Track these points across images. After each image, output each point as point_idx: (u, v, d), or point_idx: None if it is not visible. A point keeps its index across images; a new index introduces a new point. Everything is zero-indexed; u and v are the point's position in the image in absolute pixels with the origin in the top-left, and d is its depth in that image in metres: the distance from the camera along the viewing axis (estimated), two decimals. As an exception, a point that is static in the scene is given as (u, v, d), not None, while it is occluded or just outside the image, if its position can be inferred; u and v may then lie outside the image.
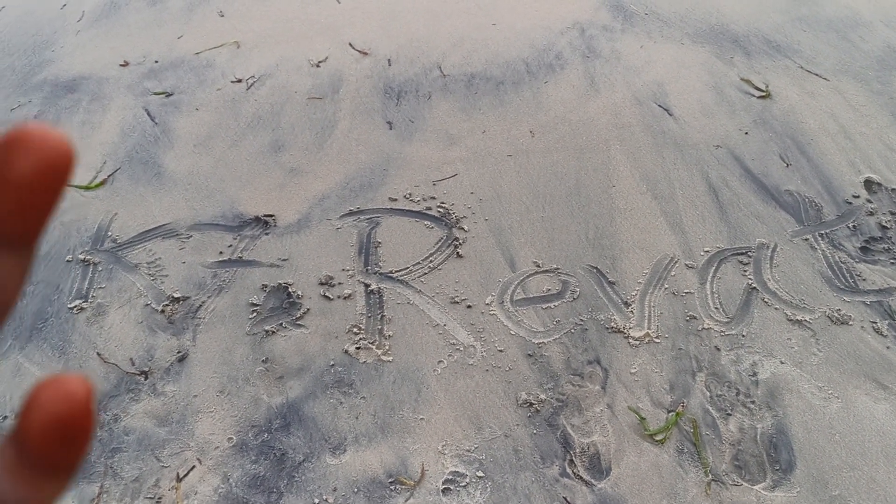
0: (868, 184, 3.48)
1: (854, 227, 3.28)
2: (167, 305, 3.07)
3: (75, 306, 3.08)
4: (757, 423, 2.59)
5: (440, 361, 2.83)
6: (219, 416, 2.69)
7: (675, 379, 2.73)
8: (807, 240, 3.23)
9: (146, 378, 2.82)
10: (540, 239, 3.27)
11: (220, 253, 3.28)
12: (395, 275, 3.15)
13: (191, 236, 3.37)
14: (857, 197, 3.42)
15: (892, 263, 3.12)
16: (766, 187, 3.49)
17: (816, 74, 4.25)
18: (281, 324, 2.98)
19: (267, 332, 2.95)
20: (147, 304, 3.08)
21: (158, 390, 2.78)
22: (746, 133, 3.80)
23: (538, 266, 3.15)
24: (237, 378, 2.81)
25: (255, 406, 2.72)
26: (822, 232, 3.26)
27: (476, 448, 2.56)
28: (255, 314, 3.02)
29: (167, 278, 3.19)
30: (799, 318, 2.92)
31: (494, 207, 3.43)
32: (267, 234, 3.36)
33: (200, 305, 3.07)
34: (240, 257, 3.26)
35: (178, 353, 2.90)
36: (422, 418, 2.65)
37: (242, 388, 2.77)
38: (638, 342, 2.85)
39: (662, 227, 3.30)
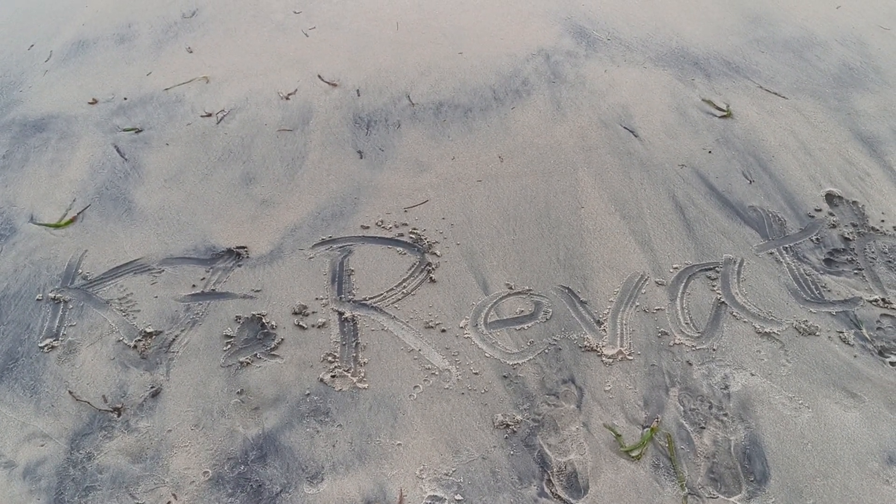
0: (829, 197, 3.57)
1: (817, 239, 3.35)
2: (140, 341, 3.05)
3: (46, 345, 3.05)
4: (730, 436, 2.62)
5: (416, 386, 2.84)
6: (194, 450, 2.66)
7: (649, 395, 2.76)
8: (772, 254, 3.30)
9: (119, 415, 2.79)
10: (512, 261, 3.31)
11: (193, 286, 3.27)
12: (368, 302, 3.16)
13: (163, 270, 3.36)
14: (820, 210, 3.50)
15: (856, 274, 3.20)
16: (730, 204, 3.56)
17: (775, 93, 4.37)
18: (255, 355, 2.97)
19: (241, 363, 2.94)
20: (119, 340, 3.05)
21: (132, 426, 2.76)
22: (710, 152, 3.89)
23: (511, 288, 3.18)
24: (212, 411, 2.79)
25: (231, 438, 2.70)
26: (787, 245, 3.33)
27: (454, 471, 2.56)
28: (229, 346, 3.01)
29: (139, 313, 3.17)
30: (767, 330, 2.97)
31: (466, 232, 3.46)
32: (240, 265, 3.36)
33: (174, 339, 3.05)
34: (213, 290, 3.25)
35: (152, 388, 2.87)
36: (399, 444, 2.65)
37: (217, 420, 2.75)
38: (611, 360, 2.88)
39: (631, 246, 3.35)
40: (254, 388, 2.85)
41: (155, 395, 2.86)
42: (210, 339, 3.05)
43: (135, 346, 3.03)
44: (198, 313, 3.15)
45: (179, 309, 3.18)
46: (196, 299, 3.22)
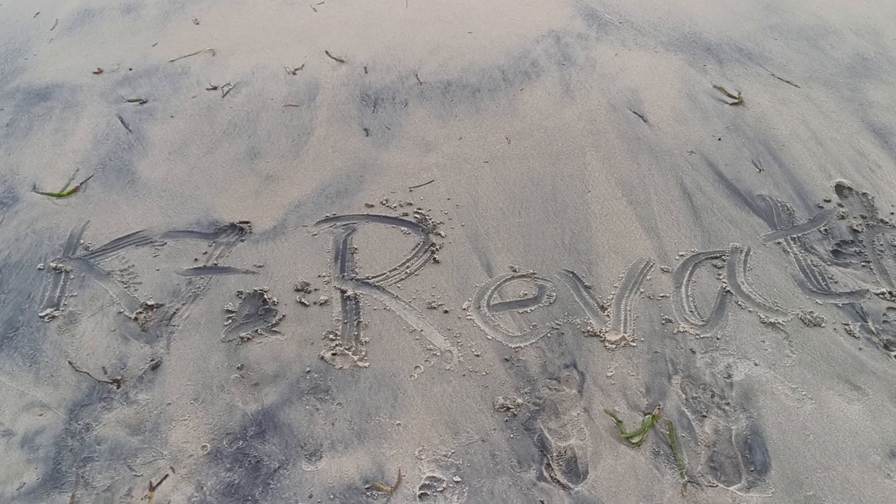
0: (839, 188, 3.53)
1: (826, 230, 3.32)
2: (140, 313, 3.03)
3: (46, 315, 3.03)
4: (732, 425, 2.60)
5: (417, 367, 2.82)
6: (193, 424, 2.65)
7: (651, 382, 2.74)
8: (779, 243, 3.27)
9: (119, 387, 2.78)
10: (516, 244, 3.28)
11: (195, 260, 3.25)
12: (371, 281, 3.14)
13: (165, 243, 3.34)
14: (829, 201, 3.46)
15: (864, 266, 3.16)
16: (739, 192, 3.52)
17: (787, 81, 4.31)
18: (256, 330, 2.96)
19: (242, 338, 2.93)
20: (120, 312, 3.04)
21: (131, 399, 2.75)
22: (720, 139, 3.84)
23: (515, 271, 3.16)
24: (212, 385, 2.77)
25: (230, 413, 2.69)
26: (795, 236, 3.30)
27: (453, 453, 2.55)
28: (230, 321, 2.99)
29: (141, 286, 3.15)
30: (772, 320, 2.94)
31: (471, 213, 3.43)
32: (242, 240, 3.33)
33: (175, 313, 3.04)
34: (215, 264, 3.23)
35: (152, 360, 2.86)
36: (398, 424, 2.64)
37: (217, 395, 2.74)
38: (614, 346, 2.86)
39: (638, 232, 3.32)
40: (254, 364, 2.84)
41: (155, 367, 2.85)
42: (211, 314, 3.03)
43: (135, 319, 3.02)
44: (199, 287, 3.13)
45: (181, 282, 3.16)
46: (198, 273, 3.20)
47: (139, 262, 3.25)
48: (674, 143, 3.82)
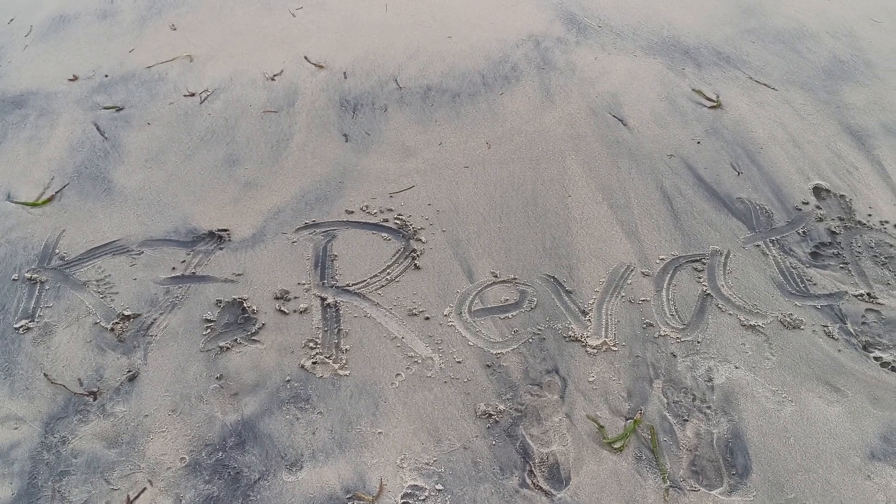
0: (817, 191, 3.56)
1: (804, 232, 3.34)
2: (117, 323, 2.99)
3: (21, 326, 2.98)
4: (713, 429, 2.60)
5: (398, 374, 2.80)
6: (171, 435, 2.62)
7: (633, 386, 2.74)
8: (758, 246, 3.28)
9: (95, 399, 2.74)
10: (497, 249, 3.27)
11: (173, 269, 3.22)
12: (351, 288, 3.11)
13: (142, 252, 3.30)
14: (807, 203, 3.49)
15: (842, 268, 3.19)
16: (718, 195, 3.54)
17: (765, 85, 4.35)
18: (236, 339, 2.93)
19: (221, 348, 2.90)
20: (96, 323, 3.00)
21: (108, 411, 2.70)
22: (699, 142, 3.86)
23: (496, 276, 3.15)
24: (190, 396, 2.74)
25: (209, 424, 2.66)
26: (774, 238, 3.32)
27: (435, 461, 2.53)
28: (209, 330, 2.96)
29: (117, 296, 3.11)
30: (752, 323, 2.95)
31: (452, 219, 3.42)
32: (221, 248, 3.30)
33: (152, 323, 3.00)
34: (193, 273, 3.19)
35: (129, 372, 2.82)
36: (380, 432, 2.62)
37: (196, 406, 2.71)
38: (596, 351, 2.86)
39: (618, 236, 3.33)
40: (233, 374, 2.81)
41: (132, 379, 2.81)
42: (189, 323, 3.00)
43: (112, 329, 2.98)
44: (177, 296, 3.10)
45: (159, 292, 3.12)
46: (176, 282, 3.16)
47: (116, 272, 3.21)
48: (653, 147, 3.83)
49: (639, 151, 3.80)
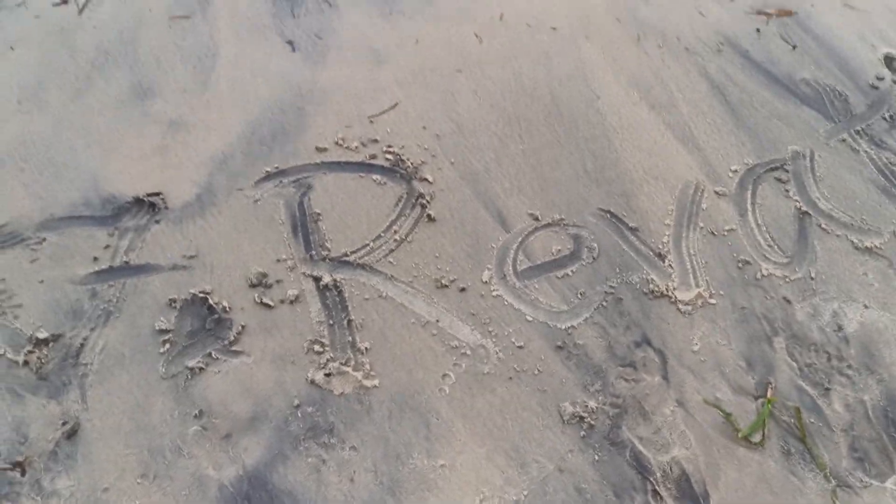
0: (888, 60, 2.93)
1: (891, 116, 2.73)
2: (31, 352, 2.10)
3: None
4: (863, 394, 2.04)
5: (445, 375, 2.08)
6: (149, 516, 1.84)
7: (750, 351, 2.12)
8: (844, 140, 2.67)
9: (23, 473, 1.90)
10: (528, 180, 2.51)
11: (95, 259, 2.30)
12: (351, 258, 2.31)
13: (43, 239, 2.35)
14: (882, 79, 2.87)
15: (935, 155, 2.62)
16: (777, 79, 2.86)
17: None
18: (209, 354, 2.10)
19: (191, 369, 2.07)
20: (0, 356, 2.09)
21: (46, 488, 1.88)
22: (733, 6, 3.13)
23: (536, 219, 2.41)
24: (163, 449, 1.94)
25: (201, 489, 1.88)
26: (858, 128, 2.70)
27: (526, 495, 1.87)
28: (167, 345, 2.11)
29: (21, 309, 2.19)
30: (867, 244, 2.36)
31: (459, 144, 2.61)
32: (157, 221, 2.39)
33: (82, 344, 2.12)
34: (125, 262, 2.29)
35: (64, 424, 1.98)
36: (442, 464, 1.92)
37: (175, 463, 1.92)
38: (690, 307, 2.21)
39: (672, 145, 2.63)
40: (217, 406, 2.01)
41: (71, 434, 1.97)
42: (137, 338, 2.13)
43: (25, 363, 2.09)
44: (110, 300, 2.21)
45: (81, 296, 2.22)
46: (103, 278, 2.26)
47: (11, 274, 2.27)
48: (681, 22, 3.07)
49: (666, 30, 3.04)
